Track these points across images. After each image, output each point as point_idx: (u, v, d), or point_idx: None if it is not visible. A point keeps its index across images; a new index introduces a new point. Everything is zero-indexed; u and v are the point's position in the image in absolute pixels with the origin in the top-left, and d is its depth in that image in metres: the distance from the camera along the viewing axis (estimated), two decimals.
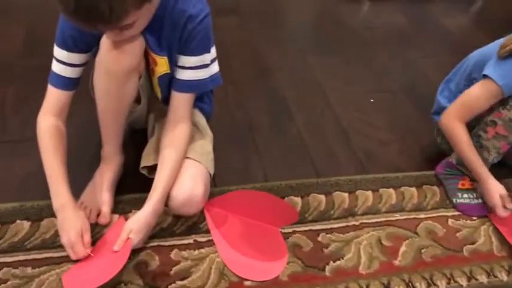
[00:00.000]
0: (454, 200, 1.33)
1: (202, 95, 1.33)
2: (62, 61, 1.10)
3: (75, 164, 1.16)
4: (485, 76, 1.23)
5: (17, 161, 1.33)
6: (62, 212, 1.07)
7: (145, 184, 1.14)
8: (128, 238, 1.04)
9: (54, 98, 1.14)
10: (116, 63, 1.04)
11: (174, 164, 1.13)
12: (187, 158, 1.16)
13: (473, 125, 1.30)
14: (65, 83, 1.12)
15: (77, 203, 1.16)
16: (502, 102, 1.23)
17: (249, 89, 1.74)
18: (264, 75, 1.83)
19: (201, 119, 1.29)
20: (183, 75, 1.12)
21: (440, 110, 1.37)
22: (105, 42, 1.03)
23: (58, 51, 1.09)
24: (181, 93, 1.15)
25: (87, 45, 1.09)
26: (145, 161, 1.19)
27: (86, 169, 1.25)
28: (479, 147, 1.28)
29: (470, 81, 1.32)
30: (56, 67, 1.11)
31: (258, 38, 2.06)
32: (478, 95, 1.24)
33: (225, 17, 2.12)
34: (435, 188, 1.38)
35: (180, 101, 1.16)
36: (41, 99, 1.56)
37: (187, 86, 1.14)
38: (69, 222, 1.06)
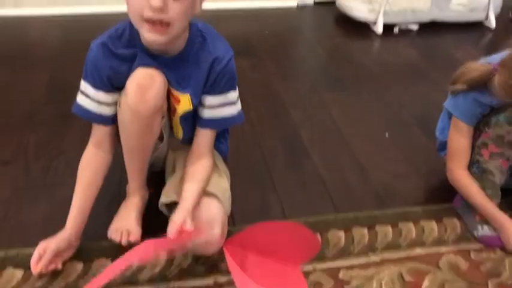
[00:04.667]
0: (475, 233, 1.31)
1: (219, 135, 1.36)
2: (89, 96, 1.15)
3: (95, 202, 1.19)
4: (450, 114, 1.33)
5: (39, 206, 1.35)
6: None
7: (163, 225, 1.15)
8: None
9: (94, 129, 1.20)
10: (142, 104, 1.07)
11: (196, 196, 1.15)
12: (205, 194, 1.17)
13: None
14: (93, 117, 1.17)
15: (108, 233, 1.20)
16: (486, 123, 1.26)
17: (264, 127, 1.76)
18: (278, 114, 1.86)
19: (218, 158, 1.32)
20: (209, 113, 1.18)
21: (440, 146, 1.47)
22: (130, 83, 1.07)
23: (85, 86, 1.14)
24: (206, 129, 1.20)
25: (112, 84, 1.13)
26: (165, 198, 1.21)
27: (105, 209, 1.27)
28: (482, 172, 1.29)
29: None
30: (81, 100, 1.16)
31: (272, 77, 2.10)
32: (453, 135, 1.34)
33: (240, 58, 2.17)
34: (455, 220, 1.37)
35: (205, 137, 1.21)
36: (62, 145, 1.61)
37: (213, 123, 1.20)
38: (55, 238, 1.13)
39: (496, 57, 1.22)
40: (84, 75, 1.14)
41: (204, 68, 1.12)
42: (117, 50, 1.10)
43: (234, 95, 1.18)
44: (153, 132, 1.16)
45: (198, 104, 1.18)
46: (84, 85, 1.15)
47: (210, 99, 1.16)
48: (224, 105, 1.18)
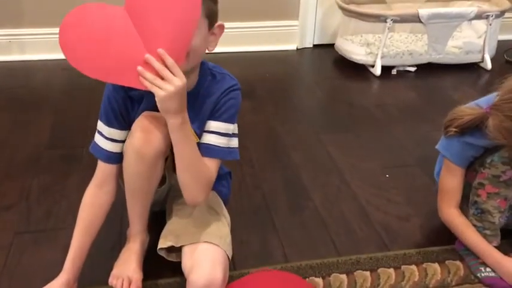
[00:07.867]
0: (478, 275, 1.30)
1: (221, 178, 1.36)
2: (103, 134, 1.17)
3: (96, 247, 1.19)
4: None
5: (41, 250, 1.35)
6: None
7: (165, 268, 1.15)
8: None
9: (98, 168, 1.20)
10: (147, 146, 1.09)
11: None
12: (205, 242, 1.17)
13: (468, 194, 1.33)
14: (104, 155, 1.18)
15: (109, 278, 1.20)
16: (481, 163, 1.27)
17: (265, 169, 1.77)
18: (279, 156, 1.87)
19: (218, 203, 1.32)
20: (205, 138, 1.17)
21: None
22: (135, 126, 1.10)
23: (100, 125, 1.17)
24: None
25: (125, 122, 1.16)
26: (163, 242, 1.21)
27: (105, 254, 1.27)
28: (481, 213, 1.29)
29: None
30: (96, 138, 1.18)
31: (272, 119, 2.13)
32: (444, 175, 1.36)
33: (241, 100, 2.21)
34: (458, 262, 1.35)
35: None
36: (65, 189, 1.62)
37: (208, 150, 1.16)
38: (54, 284, 1.13)
39: (485, 100, 1.25)
40: (100, 115, 1.17)
41: (212, 100, 1.15)
42: (129, 92, 1.14)
43: (231, 127, 1.18)
44: (156, 175, 1.17)
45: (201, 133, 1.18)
46: (99, 124, 1.17)
47: (209, 124, 1.16)
48: (220, 134, 1.17)
